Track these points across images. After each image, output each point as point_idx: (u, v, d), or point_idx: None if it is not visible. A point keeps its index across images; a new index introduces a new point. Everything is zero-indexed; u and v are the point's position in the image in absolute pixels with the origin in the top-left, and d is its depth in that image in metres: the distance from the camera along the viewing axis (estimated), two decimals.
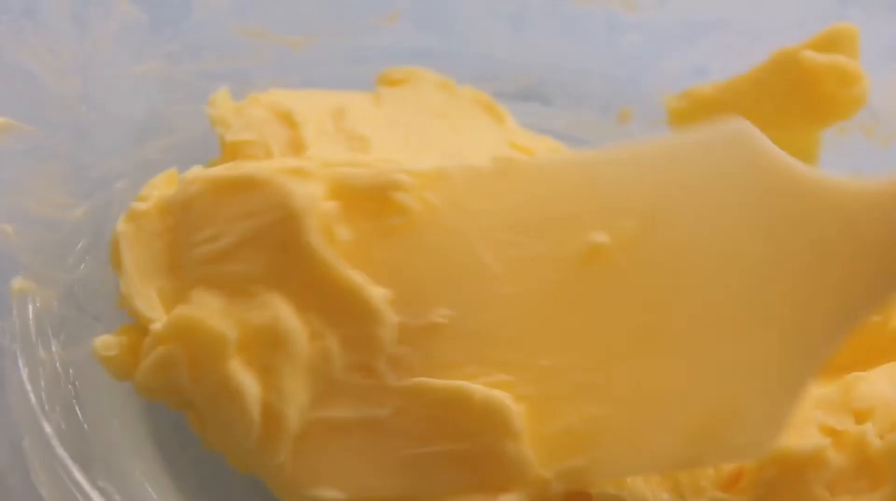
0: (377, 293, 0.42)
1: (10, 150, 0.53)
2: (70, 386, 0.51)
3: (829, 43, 0.58)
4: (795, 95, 0.60)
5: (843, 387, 0.46)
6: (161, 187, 0.51)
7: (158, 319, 0.46)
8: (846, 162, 0.63)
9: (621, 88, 0.68)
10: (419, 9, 0.68)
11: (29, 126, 0.54)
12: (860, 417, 0.44)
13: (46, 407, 0.49)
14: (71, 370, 0.52)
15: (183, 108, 0.62)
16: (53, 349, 0.52)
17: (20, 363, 0.50)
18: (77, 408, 0.51)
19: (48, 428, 0.48)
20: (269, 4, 0.64)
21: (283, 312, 0.43)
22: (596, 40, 0.69)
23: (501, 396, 0.41)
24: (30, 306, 0.52)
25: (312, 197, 0.44)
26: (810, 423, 0.44)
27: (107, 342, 0.48)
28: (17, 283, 0.52)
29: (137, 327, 0.48)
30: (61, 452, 0.48)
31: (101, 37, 0.58)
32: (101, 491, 0.48)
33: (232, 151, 0.51)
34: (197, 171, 0.51)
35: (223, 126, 0.53)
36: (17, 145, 0.53)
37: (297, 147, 0.50)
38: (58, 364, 0.52)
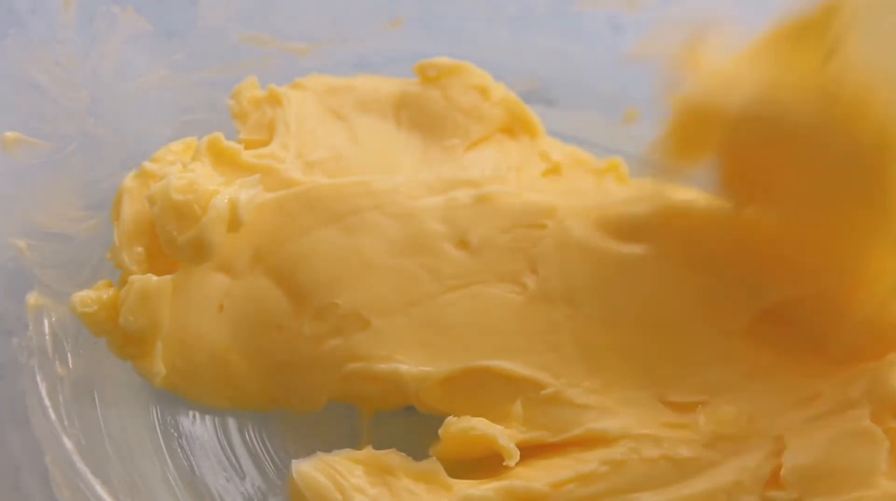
0: None
1: (21, 164, 0.53)
2: (88, 401, 0.51)
3: None
4: None
5: (875, 373, 0.46)
6: (177, 152, 0.53)
7: (141, 272, 0.48)
8: None
9: (626, 89, 0.68)
10: (422, 14, 0.68)
11: (39, 140, 0.54)
12: None
13: (66, 423, 0.49)
14: (88, 385, 0.52)
15: (190, 116, 0.61)
16: (70, 364, 0.52)
17: (38, 379, 0.50)
18: (96, 423, 0.51)
19: (69, 444, 0.48)
20: (274, 12, 0.64)
21: None
22: (600, 41, 0.69)
23: None
24: (45, 322, 0.52)
25: None
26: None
27: (85, 297, 0.49)
28: (33, 298, 0.52)
29: (119, 284, 0.49)
30: (82, 467, 0.48)
31: (108, 48, 0.57)
32: None
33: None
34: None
35: (241, 121, 0.55)
36: (27, 160, 0.53)
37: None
38: (75, 379, 0.51)
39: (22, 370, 0.50)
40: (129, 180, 0.52)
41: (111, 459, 0.50)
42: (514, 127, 0.57)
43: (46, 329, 0.52)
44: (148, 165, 0.53)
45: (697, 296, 0.50)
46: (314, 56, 0.66)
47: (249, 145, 0.54)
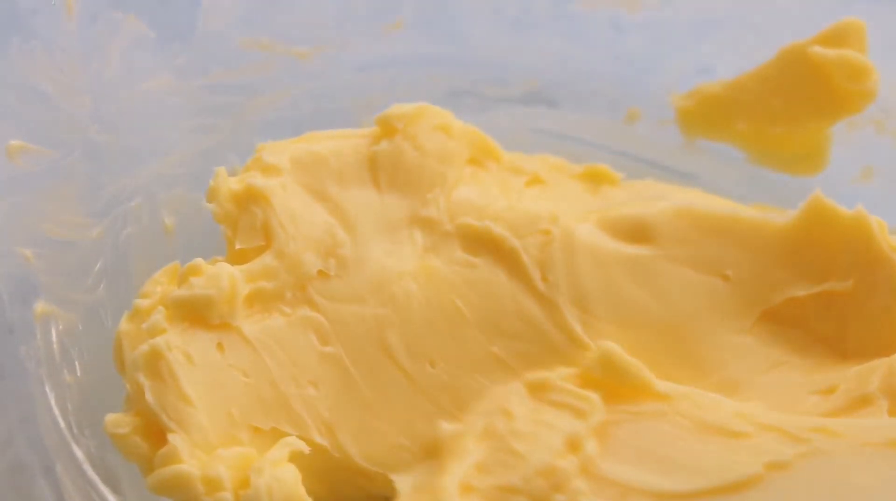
0: None
1: (26, 172, 0.53)
2: (97, 408, 0.51)
3: (837, 37, 0.59)
4: (804, 91, 0.60)
5: (890, 368, 0.46)
6: (163, 283, 0.50)
7: None
8: (857, 157, 0.63)
9: (628, 89, 0.68)
10: (423, 15, 0.68)
11: (43, 148, 0.54)
12: None
13: (75, 431, 0.49)
14: (96, 392, 0.52)
15: (193, 121, 0.61)
16: (78, 371, 0.52)
17: (47, 388, 0.50)
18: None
19: (79, 453, 0.49)
20: (275, 16, 0.64)
21: None
22: (601, 41, 0.69)
23: None
24: (52, 330, 0.52)
25: None
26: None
27: (117, 420, 0.46)
28: (40, 306, 0.51)
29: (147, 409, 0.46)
30: (92, 475, 0.48)
31: (110, 55, 0.57)
32: None
33: (241, 257, 0.51)
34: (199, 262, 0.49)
35: (229, 226, 0.52)
36: (31, 168, 0.53)
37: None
38: (83, 387, 0.51)
39: (30, 378, 0.50)
40: (124, 324, 0.49)
41: (120, 466, 0.50)
42: (479, 156, 0.57)
43: (54, 337, 0.52)
44: (139, 302, 0.49)
45: (706, 296, 0.51)
46: (316, 59, 0.66)
47: (246, 254, 0.51)
